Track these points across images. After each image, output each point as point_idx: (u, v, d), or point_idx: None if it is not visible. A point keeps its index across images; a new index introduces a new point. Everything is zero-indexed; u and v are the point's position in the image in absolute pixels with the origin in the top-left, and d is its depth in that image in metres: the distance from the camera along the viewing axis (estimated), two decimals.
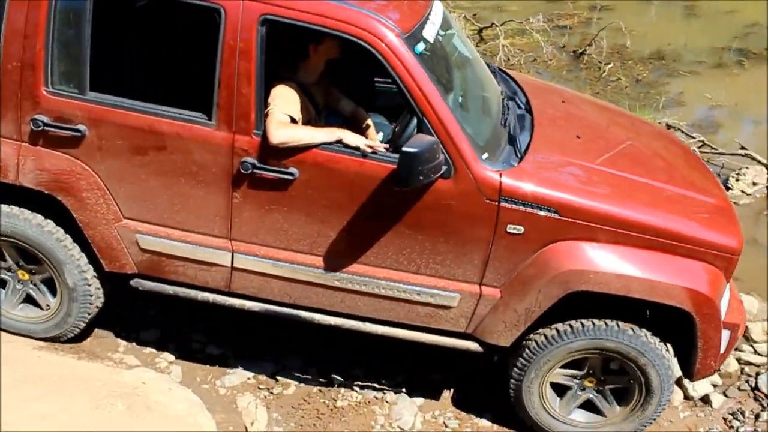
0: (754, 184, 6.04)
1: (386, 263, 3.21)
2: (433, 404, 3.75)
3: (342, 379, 3.76)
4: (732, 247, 3.18)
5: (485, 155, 3.01)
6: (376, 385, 3.76)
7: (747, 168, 6.13)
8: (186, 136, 3.05)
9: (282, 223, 3.18)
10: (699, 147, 6.19)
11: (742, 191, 5.97)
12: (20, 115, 3.10)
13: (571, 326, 3.17)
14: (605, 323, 3.15)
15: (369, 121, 3.54)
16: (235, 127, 3.00)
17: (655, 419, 3.45)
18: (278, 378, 3.78)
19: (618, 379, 3.36)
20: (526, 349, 3.26)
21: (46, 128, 3.07)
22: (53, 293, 3.50)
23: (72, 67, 3.05)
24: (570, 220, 3.02)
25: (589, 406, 3.46)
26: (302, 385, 3.76)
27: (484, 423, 3.67)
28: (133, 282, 3.45)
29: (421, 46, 3.02)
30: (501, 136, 3.25)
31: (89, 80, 3.04)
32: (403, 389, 3.77)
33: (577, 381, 3.38)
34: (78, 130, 3.06)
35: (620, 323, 3.15)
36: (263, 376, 3.79)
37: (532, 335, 3.24)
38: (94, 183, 3.18)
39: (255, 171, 3.02)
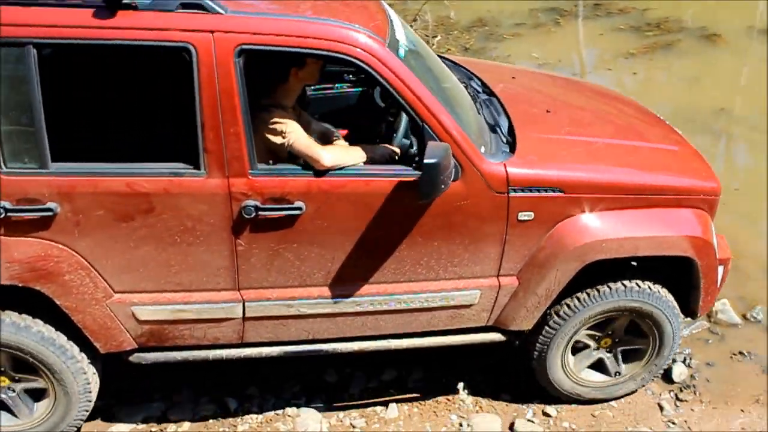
0: None
1: (405, 277, 3.12)
2: (335, 407, 3.66)
3: (237, 403, 3.60)
4: (714, 188, 3.32)
5: (483, 149, 2.96)
6: (274, 401, 3.64)
7: None
8: (175, 192, 2.75)
9: (293, 260, 2.99)
10: None
11: None
12: None
13: (589, 294, 3.24)
14: (623, 284, 3.24)
15: (340, 141, 3.35)
16: (229, 170, 2.74)
17: (663, 368, 3.63)
18: (170, 417, 3.54)
19: (633, 340, 3.48)
20: (551, 322, 3.30)
21: (9, 214, 2.65)
22: (36, 398, 3.12)
23: (27, 139, 2.63)
24: (574, 195, 3.04)
25: (596, 366, 3.57)
26: (197, 418, 3.54)
27: (391, 414, 3.62)
28: (134, 357, 3.13)
29: (402, 51, 2.91)
30: (483, 126, 3.20)
31: (49, 150, 2.64)
32: (302, 399, 3.67)
33: (596, 341, 3.47)
34: (48, 209, 2.67)
35: (639, 282, 3.25)
36: (152, 420, 3.53)
37: (552, 310, 3.28)
38: (76, 263, 2.81)
39: (259, 213, 2.79)
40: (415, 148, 3.12)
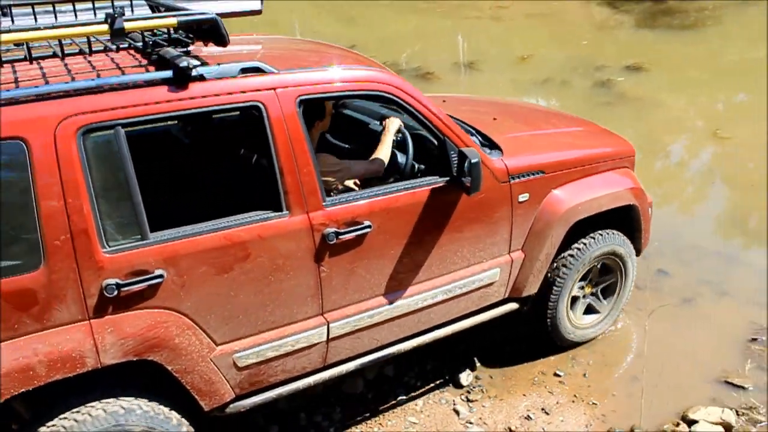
0: None
1: (446, 269, 3.55)
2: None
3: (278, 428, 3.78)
4: (632, 150, 4.28)
5: (484, 149, 3.56)
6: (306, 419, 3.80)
7: None
8: (267, 235, 2.95)
9: (364, 275, 3.29)
10: None
11: None
12: (82, 290, 2.65)
13: (579, 248, 3.95)
14: (600, 234, 4.00)
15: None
16: (308, 206, 3.02)
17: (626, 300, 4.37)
18: None
19: (607, 278, 4.25)
20: (557, 281, 3.95)
21: (122, 289, 2.67)
22: None
23: (125, 214, 2.72)
24: (551, 174, 3.76)
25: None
26: None
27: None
28: (232, 408, 3.18)
29: None
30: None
31: (147, 221, 2.74)
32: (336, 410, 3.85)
33: (582, 291, 4.17)
34: (159, 276, 2.74)
35: (608, 231, 4.05)
36: None
37: (554, 273, 3.94)
38: (183, 324, 2.88)
39: (338, 237, 3.08)
40: (407, 163, 3.61)
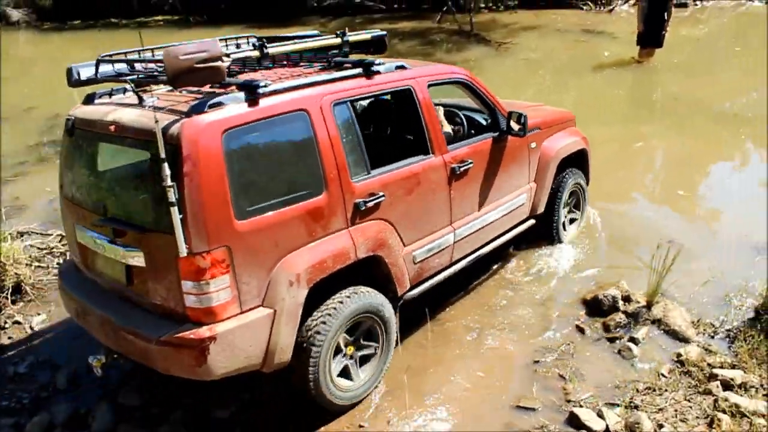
0: None
1: (501, 194, 5.43)
2: None
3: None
4: (574, 116, 6.45)
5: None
6: None
7: None
8: (426, 169, 4.62)
9: (469, 196, 5.06)
10: None
11: None
12: (345, 207, 4.05)
13: (566, 175, 6.13)
14: (573, 170, 6.24)
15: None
16: (440, 151, 4.75)
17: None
18: None
19: (576, 200, 6.49)
20: (557, 201, 6.06)
21: (365, 204, 4.14)
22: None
23: (360, 159, 4.19)
24: (544, 130, 5.88)
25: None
26: None
27: None
28: (408, 296, 4.64)
29: None
30: None
31: (369, 163, 4.22)
32: None
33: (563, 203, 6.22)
34: (382, 196, 4.25)
35: (575, 168, 6.28)
36: None
37: (554, 196, 6.04)
38: (390, 229, 4.36)
39: (457, 169, 4.83)
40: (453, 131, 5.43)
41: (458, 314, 5.35)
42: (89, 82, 4.09)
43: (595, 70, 13.69)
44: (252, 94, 3.65)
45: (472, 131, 5.39)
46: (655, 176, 8.79)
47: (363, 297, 4.09)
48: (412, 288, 4.62)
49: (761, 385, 4.35)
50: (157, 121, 3.29)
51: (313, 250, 3.83)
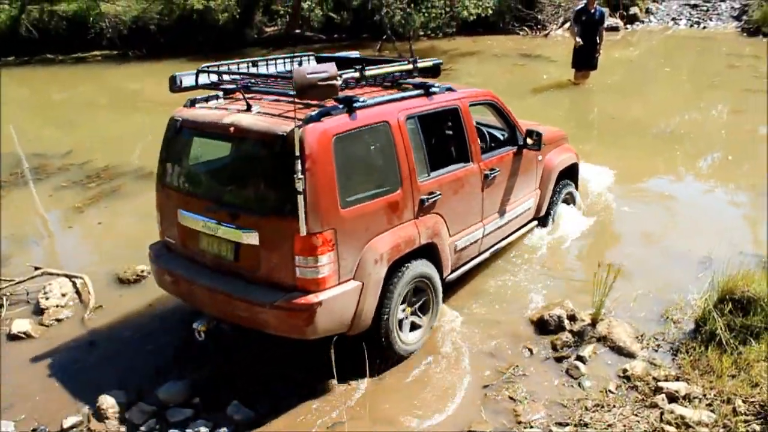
0: (63, 295, 6.15)
1: (517, 198, 6.37)
2: None
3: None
4: (566, 134, 7.47)
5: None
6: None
7: (50, 284, 6.24)
8: (467, 174, 5.58)
9: (495, 198, 6.00)
10: None
11: (58, 305, 6.03)
12: (413, 202, 4.95)
13: (561, 185, 7.11)
14: (567, 180, 7.26)
15: None
16: (477, 159, 5.69)
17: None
18: None
19: (568, 194, 7.34)
20: (553, 207, 7.04)
21: (427, 201, 5.04)
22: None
23: (423, 162, 5.10)
24: (547, 145, 6.59)
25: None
26: None
27: None
28: (449, 279, 5.56)
29: None
30: None
31: (429, 167, 5.15)
32: None
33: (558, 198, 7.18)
34: (438, 194, 5.16)
35: (568, 180, 7.27)
36: None
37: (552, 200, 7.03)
38: (442, 222, 5.26)
39: (489, 175, 5.77)
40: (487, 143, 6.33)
41: None
42: (189, 89, 4.96)
43: (534, 92, 13.98)
44: (351, 107, 4.52)
45: (493, 144, 6.29)
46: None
47: (422, 265, 5.04)
48: (452, 272, 5.58)
49: (704, 395, 4.46)
50: (297, 127, 4.15)
51: (391, 236, 4.74)
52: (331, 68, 4.13)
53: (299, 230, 4.16)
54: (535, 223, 6.85)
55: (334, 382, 4.70)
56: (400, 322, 5.01)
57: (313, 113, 4.35)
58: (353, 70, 4.86)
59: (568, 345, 5.17)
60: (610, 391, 4.63)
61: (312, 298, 4.32)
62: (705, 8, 21.72)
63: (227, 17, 20.19)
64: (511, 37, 21.17)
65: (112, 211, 8.43)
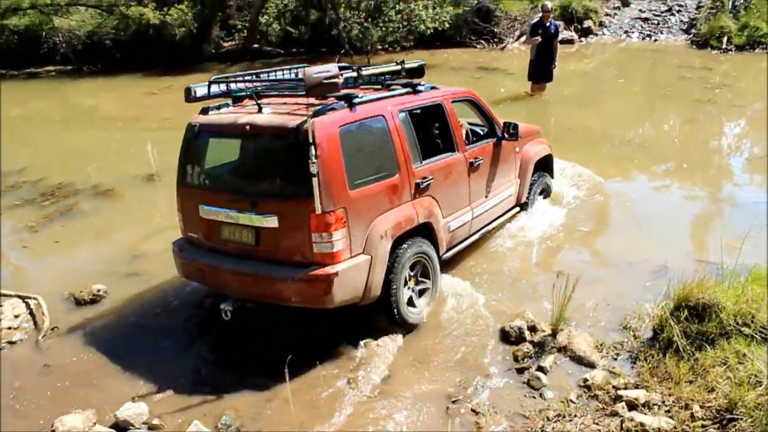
0: (16, 316, 6.09)
1: (499, 184, 7.05)
2: None
3: None
4: (540, 129, 8.10)
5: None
6: None
7: (1, 306, 6.19)
8: (454, 162, 6.27)
9: (480, 184, 6.68)
10: None
11: (11, 327, 5.95)
12: (410, 185, 5.59)
13: (539, 174, 7.88)
14: (543, 170, 7.97)
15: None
16: (462, 149, 6.41)
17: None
18: None
19: (544, 185, 8.07)
20: (532, 194, 7.74)
21: (422, 184, 5.72)
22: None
23: (415, 151, 5.78)
24: (523, 138, 7.33)
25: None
26: None
27: None
28: (444, 257, 6.17)
29: None
30: None
31: (421, 154, 5.85)
32: None
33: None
34: (431, 179, 5.83)
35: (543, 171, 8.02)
36: None
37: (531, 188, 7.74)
38: (435, 204, 5.91)
39: (474, 163, 6.49)
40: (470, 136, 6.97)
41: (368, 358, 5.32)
42: (203, 98, 5.61)
43: (492, 105, 13.82)
44: (351, 103, 5.23)
45: (474, 138, 6.93)
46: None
47: (419, 243, 5.68)
48: (447, 251, 6.22)
49: (663, 402, 4.52)
50: (310, 119, 4.77)
51: (393, 214, 5.40)
52: (333, 68, 4.86)
53: (315, 209, 4.77)
54: (518, 209, 7.60)
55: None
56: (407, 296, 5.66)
57: (320, 108, 5.01)
58: (351, 70, 5.79)
59: (529, 356, 5.21)
60: (571, 401, 4.66)
61: (329, 270, 4.92)
62: (656, 21, 22.20)
63: (184, 32, 20.00)
64: (468, 50, 21.38)
65: (69, 229, 8.27)
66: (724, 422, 4.20)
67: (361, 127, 5.28)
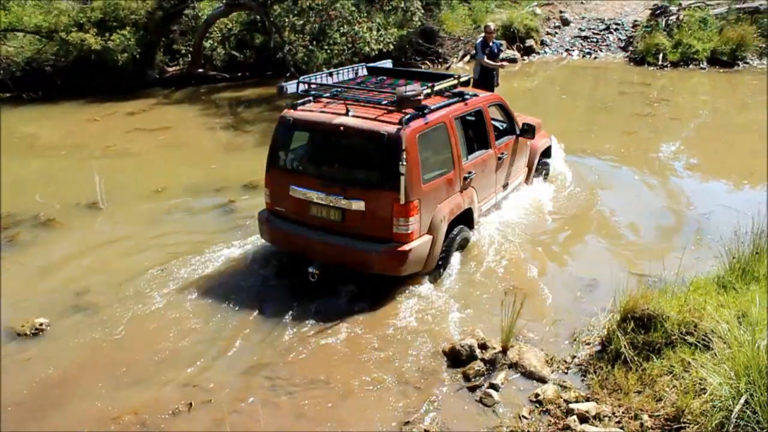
0: None
1: (516, 173, 8.66)
2: None
3: None
4: (540, 122, 9.52)
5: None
6: None
7: None
8: (488, 157, 7.65)
9: (503, 174, 8.17)
10: None
11: None
12: (460, 179, 7.06)
13: (545, 161, 9.78)
14: (547, 159, 9.86)
15: None
16: (493, 146, 7.77)
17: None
18: None
19: (544, 166, 9.76)
20: (537, 168, 9.39)
21: (468, 178, 7.09)
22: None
23: (464, 150, 7.20)
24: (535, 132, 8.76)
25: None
26: None
27: None
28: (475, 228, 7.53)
29: None
30: None
31: (467, 152, 7.27)
32: None
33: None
34: (473, 173, 7.16)
35: (547, 159, 9.85)
36: None
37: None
38: (474, 193, 7.30)
39: (501, 157, 7.91)
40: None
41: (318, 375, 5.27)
42: (293, 95, 6.97)
43: None
44: (423, 113, 6.44)
45: (496, 134, 8.00)
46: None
47: (465, 230, 7.15)
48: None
49: (613, 414, 4.59)
50: (403, 128, 6.10)
51: (449, 203, 6.76)
52: (418, 88, 6.56)
53: (398, 200, 6.08)
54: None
55: None
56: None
57: (405, 118, 6.20)
58: (423, 86, 6.82)
59: (480, 374, 5.23)
60: (523, 416, 4.70)
61: (405, 247, 6.27)
62: (595, 40, 22.76)
63: (127, 58, 19.65)
64: (413, 70, 21.51)
65: (9, 261, 8.00)
66: (672, 431, 4.28)
67: (431, 133, 6.50)
